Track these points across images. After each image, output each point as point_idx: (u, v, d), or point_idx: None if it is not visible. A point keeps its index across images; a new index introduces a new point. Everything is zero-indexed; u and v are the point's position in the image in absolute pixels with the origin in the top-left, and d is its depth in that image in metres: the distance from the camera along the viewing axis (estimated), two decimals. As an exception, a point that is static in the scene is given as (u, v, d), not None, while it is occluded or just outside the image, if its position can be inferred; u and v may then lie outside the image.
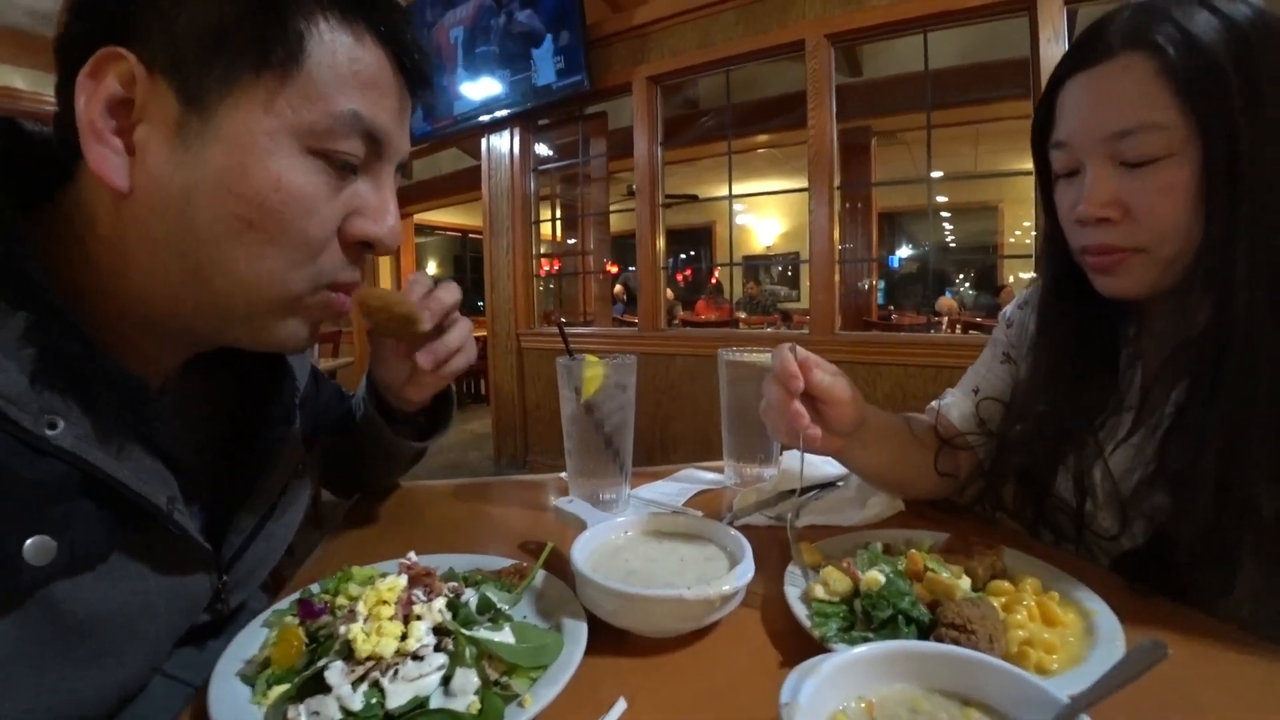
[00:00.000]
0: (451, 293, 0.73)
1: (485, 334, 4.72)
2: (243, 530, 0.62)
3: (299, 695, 0.45)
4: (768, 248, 9.69)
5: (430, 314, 0.69)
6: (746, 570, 0.56)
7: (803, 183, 3.19)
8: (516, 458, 4.35)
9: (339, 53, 0.48)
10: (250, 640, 0.53)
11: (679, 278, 10.81)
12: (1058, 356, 0.77)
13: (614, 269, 7.21)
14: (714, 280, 9.47)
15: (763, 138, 5.13)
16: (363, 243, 0.54)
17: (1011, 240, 8.65)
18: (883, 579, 0.53)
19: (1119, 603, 0.55)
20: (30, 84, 5.08)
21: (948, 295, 8.28)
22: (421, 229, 9.94)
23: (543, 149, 4.44)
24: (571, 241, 4.71)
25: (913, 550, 0.58)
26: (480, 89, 4.14)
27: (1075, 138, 0.66)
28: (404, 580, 0.54)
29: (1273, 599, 0.61)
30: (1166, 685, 0.47)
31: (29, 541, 0.40)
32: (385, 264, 8.41)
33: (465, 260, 11.71)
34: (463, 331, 0.75)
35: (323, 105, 0.47)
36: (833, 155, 3.09)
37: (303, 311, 0.54)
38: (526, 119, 4.19)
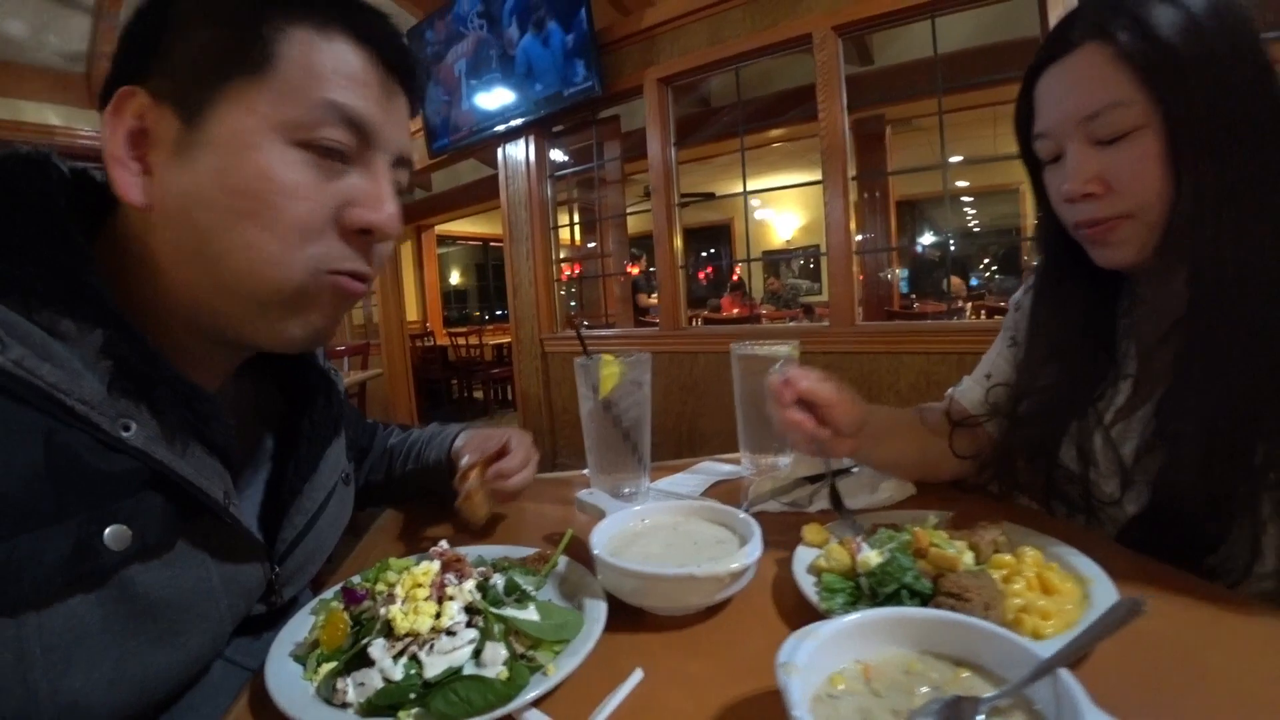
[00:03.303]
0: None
1: (510, 340, 4.80)
2: (295, 527, 0.67)
3: (346, 670, 0.50)
4: (787, 242, 9.64)
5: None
6: (755, 549, 0.59)
7: (818, 175, 3.19)
8: (545, 460, 4.36)
9: (311, 52, 0.52)
10: (300, 626, 0.58)
11: (700, 276, 10.82)
12: (1057, 332, 0.81)
13: (635, 270, 7.26)
14: (735, 277, 9.45)
15: (778, 131, 5.13)
16: (364, 231, 0.55)
17: (1035, 222, 8.50)
18: (879, 559, 0.56)
19: (1120, 571, 0.57)
20: (63, 119, 5.29)
21: (972, 280, 8.18)
22: (443, 239, 10.08)
23: (559, 155, 4.49)
24: (592, 245, 4.75)
25: (918, 528, 0.60)
26: (494, 99, 4.21)
27: (1053, 126, 0.71)
28: (437, 565, 0.58)
29: (1264, 557, 0.63)
30: (1166, 648, 0.50)
31: (109, 529, 0.46)
32: (410, 279, 8.55)
33: (487, 268, 11.87)
34: (520, 458, 0.85)
35: (299, 99, 0.51)
36: (845, 147, 3.09)
37: (312, 300, 0.55)
38: (541, 126, 4.24)
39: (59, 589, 0.44)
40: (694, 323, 5.74)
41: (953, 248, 8.49)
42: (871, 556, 0.57)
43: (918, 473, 0.89)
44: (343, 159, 0.54)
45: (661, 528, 0.70)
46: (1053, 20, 2.55)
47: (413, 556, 0.66)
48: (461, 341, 7.50)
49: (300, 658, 0.55)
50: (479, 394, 7.92)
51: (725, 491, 0.97)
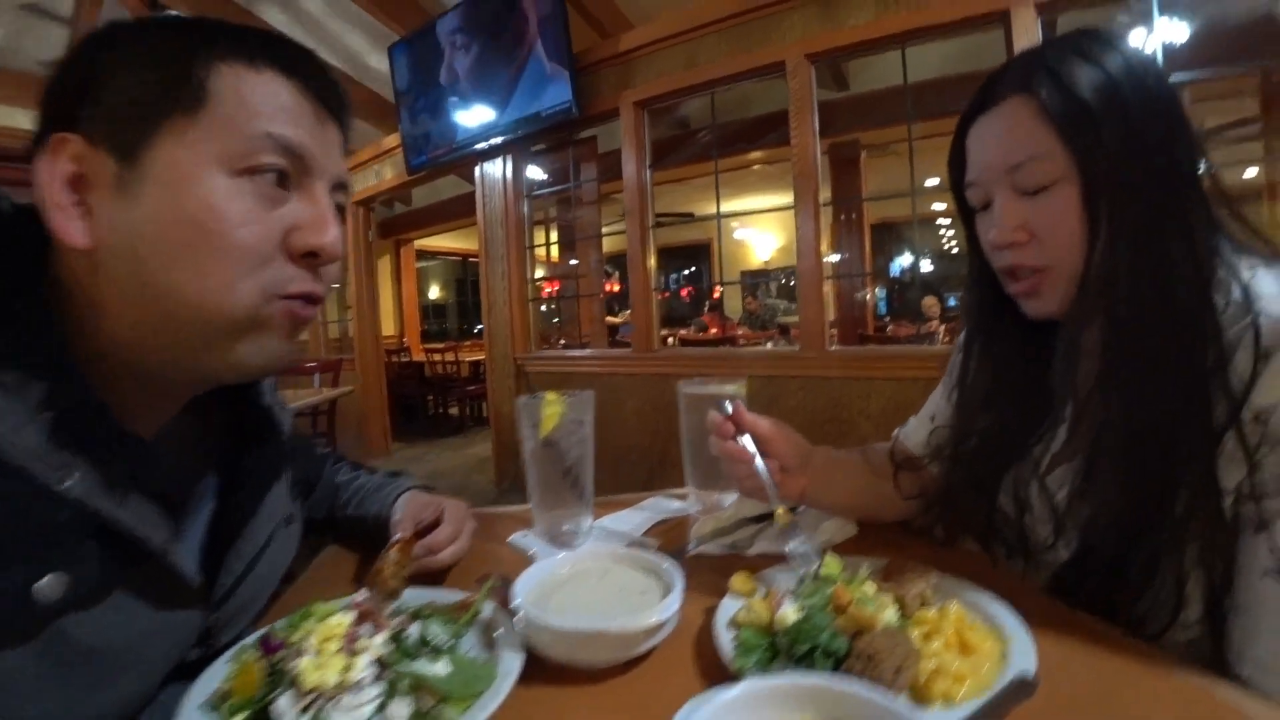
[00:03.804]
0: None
1: (484, 358, 4.77)
2: (233, 572, 0.66)
3: None
4: (766, 262, 9.71)
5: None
6: (672, 604, 0.58)
7: (793, 198, 3.22)
8: (519, 481, 4.35)
9: (241, 86, 0.53)
10: (218, 673, 0.57)
11: (684, 294, 10.86)
12: (991, 377, 0.81)
13: (615, 287, 7.26)
14: (716, 295, 9.51)
15: (756, 154, 5.18)
16: (310, 254, 0.56)
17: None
18: (795, 616, 0.55)
19: (1046, 624, 0.57)
20: (36, 124, 5.20)
21: (950, 300, 8.27)
22: (423, 254, 10.03)
23: (538, 173, 4.50)
24: (574, 263, 4.74)
25: (839, 585, 0.59)
26: (472, 117, 4.22)
27: (981, 174, 0.73)
28: (350, 617, 0.57)
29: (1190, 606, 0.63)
30: (1089, 705, 0.49)
31: (45, 579, 0.45)
32: (387, 293, 8.49)
33: (466, 283, 11.83)
34: (448, 532, 0.83)
35: (236, 131, 0.52)
36: (817, 172, 3.13)
37: (265, 325, 0.55)
38: (518, 146, 4.25)
39: None
40: (669, 341, 5.76)
41: (932, 268, 8.60)
42: (789, 614, 0.56)
43: (863, 514, 0.90)
44: (284, 186, 0.55)
45: (588, 574, 0.69)
46: (1018, 51, 2.59)
47: (341, 601, 0.64)
48: (438, 358, 7.44)
49: (214, 707, 0.53)
50: (455, 411, 7.85)
51: (668, 530, 0.96)
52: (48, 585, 0.45)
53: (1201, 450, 0.59)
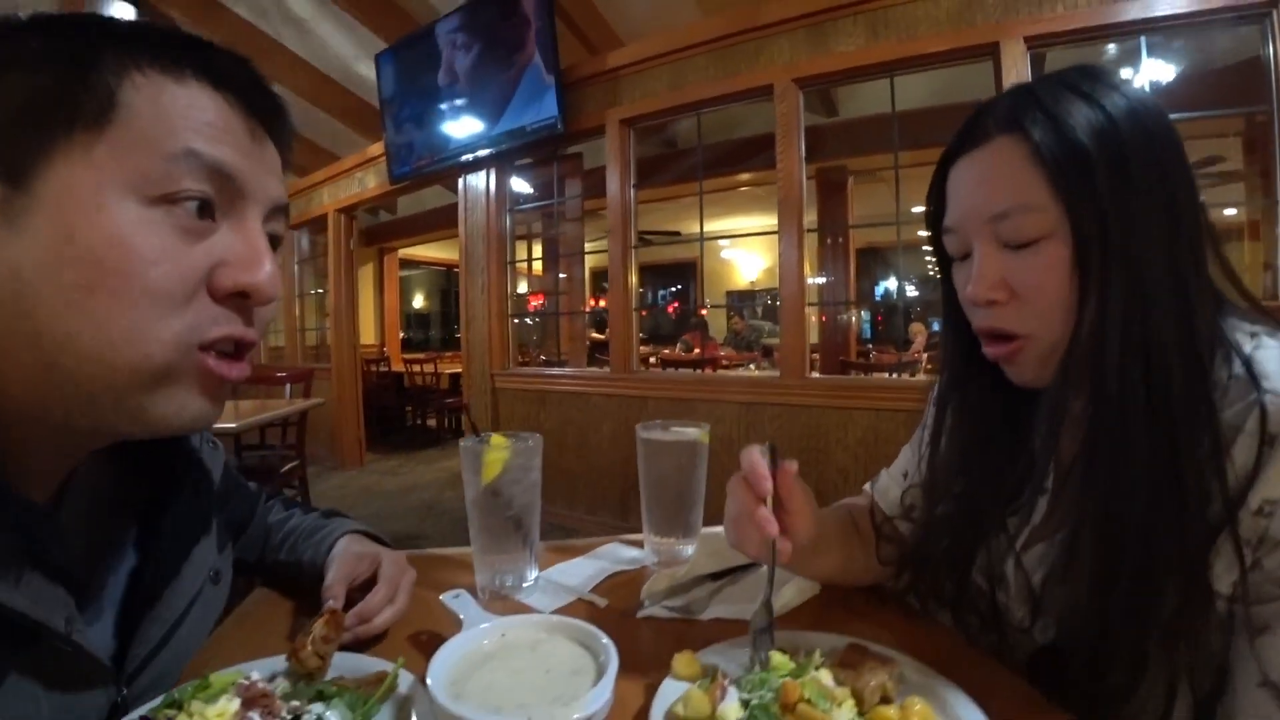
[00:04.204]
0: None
1: (461, 370, 4.69)
2: (149, 641, 0.59)
3: None
4: (751, 283, 9.73)
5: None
6: (600, 695, 0.52)
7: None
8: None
9: (163, 99, 0.46)
10: None
11: (670, 310, 10.85)
12: (968, 436, 0.74)
13: (601, 302, 7.22)
14: (703, 312, 9.49)
15: (744, 176, 5.18)
16: (241, 294, 0.49)
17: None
18: (738, 715, 0.48)
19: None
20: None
21: (934, 324, 8.31)
22: (407, 262, 9.95)
23: (523, 186, 4.45)
24: (562, 276, 4.69)
25: (786, 680, 0.53)
26: (457, 129, 4.18)
27: (961, 221, 0.65)
28: (236, 704, 0.50)
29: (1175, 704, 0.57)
30: None
31: None
32: (369, 302, 8.39)
33: (450, 293, 11.73)
34: (382, 595, 0.74)
35: (152, 149, 0.45)
36: (802, 197, 3.10)
37: (179, 379, 0.48)
38: (503, 159, 4.21)
39: None
40: (651, 361, 5.71)
41: (917, 293, 8.63)
42: (730, 710, 0.49)
43: (840, 580, 0.81)
44: (210, 215, 0.48)
45: (518, 647, 0.62)
46: (1007, 83, 2.61)
47: (246, 666, 0.58)
48: (417, 369, 7.34)
49: None
50: (433, 423, 7.75)
51: (621, 583, 0.89)
52: None
53: (1192, 547, 0.53)
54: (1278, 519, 0.50)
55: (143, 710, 0.52)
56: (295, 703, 0.54)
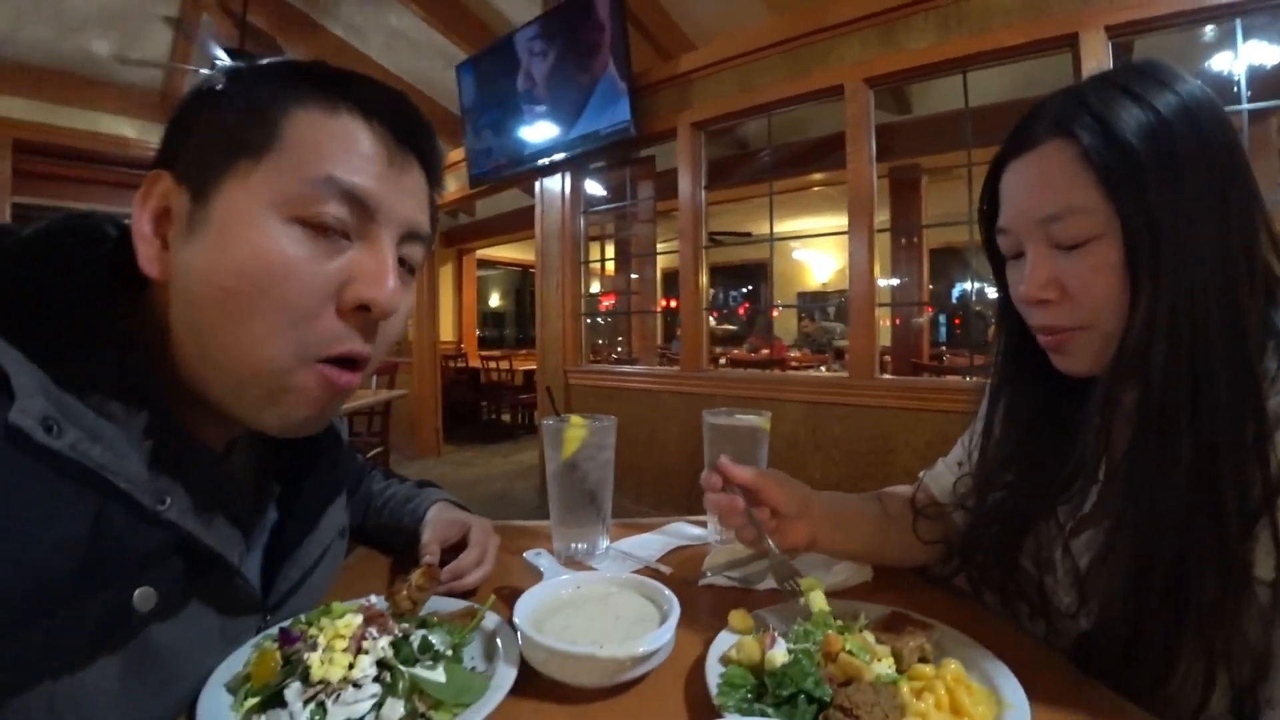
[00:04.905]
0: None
1: (535, 367, 4.85)
2: (289, 580, 0.69)
3: (262, 708, 0.53)
4: (824, 284, 9.59)
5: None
6: (663, 634, 0.59)
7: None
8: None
9: (313, 127, 0.53)
10: (242, 657, 0.60)
11: (741, 311, 10.82)
12: (1018, 430, 0.77)
13: (673, 304, 7.28)
14: (775, 313, 9.42)
15: (815, 176, 5.14)
16: (363, 308, 0.55)
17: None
18: (783, 659, 0.55)
19: (1050, 693, 0.55)
20: (138, 133, 5.64)
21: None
22: (484, 263, 10.28)
23: (597, 189, 4.58)
24: (634, 277, 4.79)
25: (830, 632, 0.59)
26: (534, 133, 4.33)
27: (1013, 223, 0.68)
28: (359, 619, 0.60)
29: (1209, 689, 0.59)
30: None
31: (137, 592, 0.49)
32: (448, 301, 8.73)
33: (525, 293, 12.05)
34: (474, 556, 0.84)
35: (297, 175, 0.52)
36: (872, 197, 3.08)
37: (294, 393, 0.55)
38: (577, 163, 4.34)
39: (92, 651, 0.47)
40: (721, 361, 5.73)
41: (995, 295, 8.28)
42: (778, 655, 0.56)
43: (878, 559, 0.87)
44: (344, 235, 0.54)
45: (590, 599, 0.70)
46: (1087, 75, 2.52)
47: (358, 602, 0.68)
48: (493, 365, 7.60)
49: (233, 689, 0.57)
50: (506, 418, 7.99)
51: (686, 558, 0.96)
52: (140, 598, 0.49)
53: (1230, 535, 0.55)
54: None
55: (281, 625, 0.63)
56: (405, 625, 0.64)
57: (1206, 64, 2.81)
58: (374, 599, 0.65)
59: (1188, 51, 2.94)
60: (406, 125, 0.58)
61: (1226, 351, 0.58)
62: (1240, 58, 2.44)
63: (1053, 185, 0.63)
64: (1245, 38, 2.42)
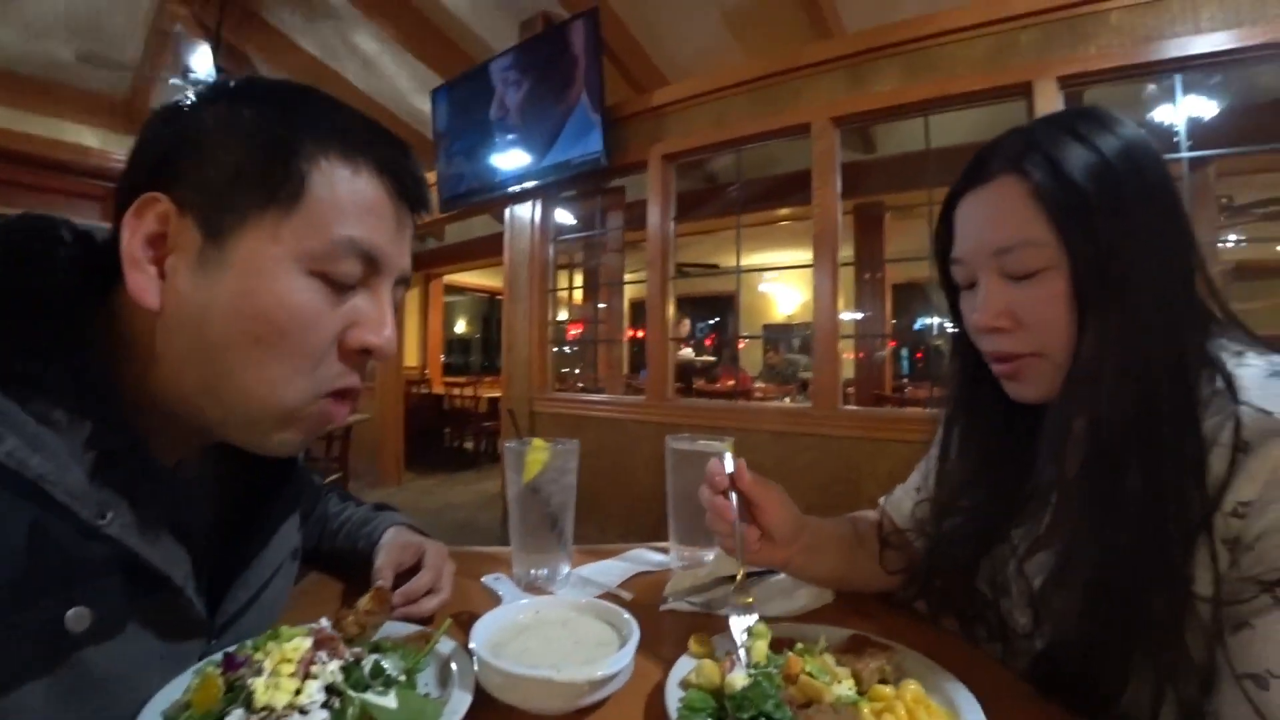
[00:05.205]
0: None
1: (500, 395, 4.81)
2: (237, 601, 0.67)
3: None
4: (789, 316, 9.72)
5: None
6: (622, 658, 0.58)
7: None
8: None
9: (338, 186, 0.54)
10: (183, 684, 0.57)
11: (707, 342, 10.89)
12: (973, 456, 0.79)
13: (640, 334, 7.31)
14: (741, 345, 9.51)
15: (782, 211, 5.25)
16: (363, 351, 0.58)
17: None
18: (744, 682, 0.54)
19: (1008, 715, 0.56)
20: (99, 142, 5.50)
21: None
22: (451, 288, 10.21)
23: (567, 217, 4.60)
24: (602, 306, 4.80)
25: (791, 654, 0.58)
26: (506, 161, 4.35)
27: (968, 254, 0.71)
28: (308, 643, 0.58)
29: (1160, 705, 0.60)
30: None
31: (70, 612, 0.47)
32: (413, 326, 8.64)
33: (492, 320, 11.98)
34: (427, 580, 0.82)
35: (322, 233, 0.53)
36: (837, 232, 3.16)
37: (300, 421, 0.58)
38: (548, 191, 4.36)
39: (20, 673, 0.45)
40: (687, 392, 5.74)
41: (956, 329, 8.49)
42: (738, 679, 0.55)
43: (845, 586, 0.88)
44: (351, 286, 0.57)
45: (549, 623, 0.68)
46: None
47: (308, 625, 0.65)
48: (458, 392, 7.51)
49: (171, 717, 0.54)
50: (470, 445, 7.88)
51: (648, 583, 0.95)
52: (74, 617, 0.47)
53: (1172, 552, 0.57)
54: (1251, 520, 0.54)
55: (226, 650, 0.61)
56: (356, 649, 0.61)
57: (1149, 115, 2.97)
58: (325, 622, 0.63)
59: (1132, 103, 3.10)
60: (412, 183, 0.60)
61: (1169, 379, 0.60)
62: (1180, 110, 2.59)
63: (1006, 219, 0.66)
64: (1185, 92, 2.57)
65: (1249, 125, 2.88)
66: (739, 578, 0.73)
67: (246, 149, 0.53)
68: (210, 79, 4.11)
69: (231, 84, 0.57)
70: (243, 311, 0.52)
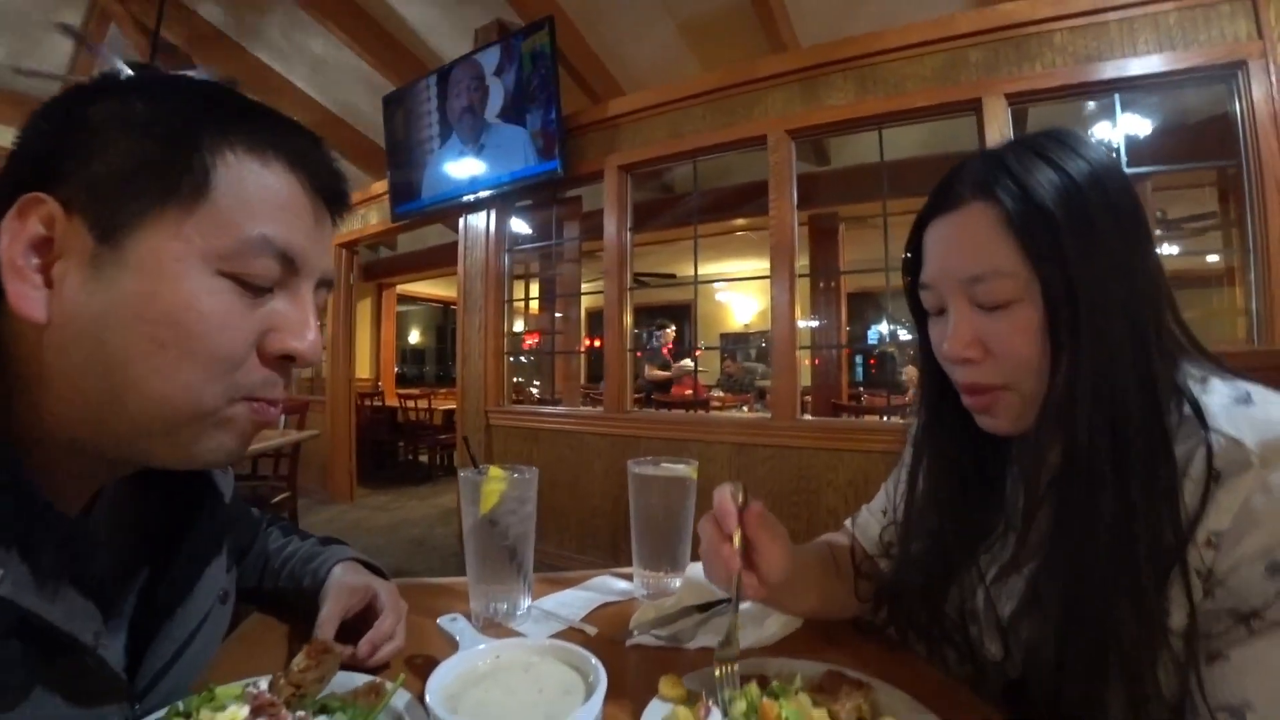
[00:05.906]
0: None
1: (455, 407, 4.71)
2: (161, 657, 0.61)
3: None
4: (746, 325, 9.82)
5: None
6: (589, 711, 0.54)
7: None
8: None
9: (246, 180, 0.50)
10: None
11: (665, 351, 10.90)
12: (943, 478, 0.78)
13: (597, 343, 7.25)
14: (698, 353, 9.54)
15: (739, 221, 5.29)
16: (285, 356, 0.54)
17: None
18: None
19: None
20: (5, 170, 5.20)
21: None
22: (405, 298, 10.02)
23: (523, 227, 4.55)
24: (559, 316, 4.75)
25: (765, 699, 0.56)
26: (459, 170, 4.28)
27: (937, 280, 0.69)
28: (245, 711, 0.53)
29: None
30: None
31: None
32: (365, 337, 8.44)
33: (446, 330, 11.82)
34: (391, 623, 0.78)
35: (231, 231, 0.49)
36: (793, 243, 3.19)
37: (224, 424, 0.53)
38: (503, 201, 4.30)
39: None
40: (645, 403, 5.73)
41: (908, 337, 8.70)
42: (714, 730, 0.52)
43: (820, 616, 0.85)
44: (268, 289, 0.52)
45: (511, 668, 0.64)
46: (989, 137, 2.72)
47: (246, 683, 0.59)
48: (411, 404, 7.34)
49: None
50: (425, 459, 7.72)
51: (612, 614, 0.91)
52: None
53: (1145, 583, 0.57)
54: (1223, 551, 0.54)
55: (154, 715, 0.55)
56: (301, 713, 0.56)
57: (1089, 131, 3.09)
58: (263, 684, 0.58)
59: (1075, 120, 3.23)
60: (328, 177, 0.57)
61: (1141, 408, 0.60)
62: (1119, 127, 2.71)
63: (977, 247, 0.64)
64: (1123, 109, 2.68)
65: (1181, 144, 3.02)
66: (730, 627, 0.67)
67: (140, 143, 0.48)
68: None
69: (122, 77, 0.52)
70: (145, 316, 0.47)
